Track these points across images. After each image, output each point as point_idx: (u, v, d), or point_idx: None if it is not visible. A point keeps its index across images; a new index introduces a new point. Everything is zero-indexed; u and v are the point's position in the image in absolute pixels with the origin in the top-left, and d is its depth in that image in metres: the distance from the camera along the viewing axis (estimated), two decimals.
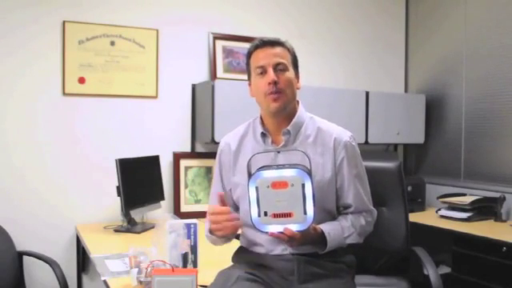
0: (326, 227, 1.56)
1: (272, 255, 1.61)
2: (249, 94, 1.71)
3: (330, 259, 1.60)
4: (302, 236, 1.44)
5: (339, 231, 1.59)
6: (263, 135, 1.67)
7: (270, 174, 1.40)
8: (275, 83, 1.58)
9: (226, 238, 1.62)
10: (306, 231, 1.44)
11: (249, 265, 1.61)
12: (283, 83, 1.60)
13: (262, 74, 1.62)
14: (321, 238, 1.54)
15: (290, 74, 1.63)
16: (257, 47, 1.64)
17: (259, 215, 1.41)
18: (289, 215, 1.41)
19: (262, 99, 1.63)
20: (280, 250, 1.60)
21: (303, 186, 1.39)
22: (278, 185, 1.40)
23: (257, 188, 1.40)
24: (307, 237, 1.47)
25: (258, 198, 1.41)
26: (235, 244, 1.78)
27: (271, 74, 1.59)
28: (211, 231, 1.55)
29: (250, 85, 1.70)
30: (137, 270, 1.74)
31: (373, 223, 1.70)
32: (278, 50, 1.62)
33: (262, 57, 1.62)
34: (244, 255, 1.69)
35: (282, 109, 1.62)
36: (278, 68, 1.60)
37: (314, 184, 1.59)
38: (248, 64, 1.69)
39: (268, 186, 1.40)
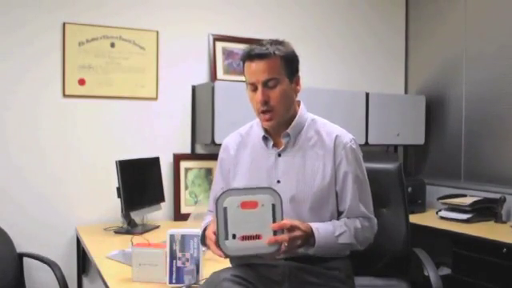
0: (315, 224, 1.53)
1: (265, 259, 1.59)
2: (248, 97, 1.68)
3: (323, 265, 1.58)
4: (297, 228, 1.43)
5: (330, 229, 1.55)
6: (265, 138, 1.67)
7: (241, 194, 1.39)
8: (265, 102, 1.56)
9: None
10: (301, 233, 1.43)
11: (241, 268, 1.59)
12: (274, 100, 1.57)
13: (253, 90, 1.59)
14: (311, 236, 1.50)
15: (283, 85, 1.58)
16: (246, 58, 1.59)
17: (227, 238, 1.38)
18: (258, 237, 1.38)
19: (256, 114, 1.64)
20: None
21: (273, 206, 1.38)
22: (248, 204, 1.37)
23: (225, 209, 1.37)
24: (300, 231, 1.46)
25: (225, 220, 1.37)
26: None
27: (260, 94, 1.56)
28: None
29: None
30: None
31: (371, 230, 1.65)
32: (268, 62, 1.55)
33: (253, 72, 1.57)
34: (237, 258, 1.69)
35: (274, 126, 1.62)
36: (268, 84, 1.56)
37: (315, 189, 1.58)
38: (243, 71, 1.64)
39: (238, 206, 1.37)
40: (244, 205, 1.37)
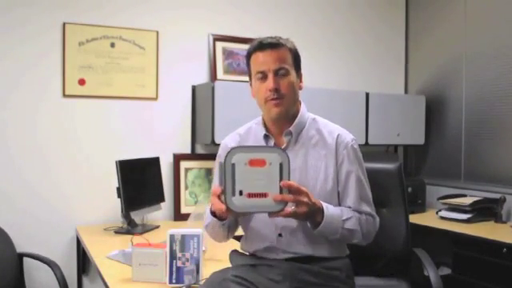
0: (325, 203, 1.52)
1: (265, 260, 1.60)
2: (250, 94, 1.68)
3: (323, 265, 1.58)
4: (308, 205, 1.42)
5: (338, 211, 1.55)
6: (266, 137, 1.66)
7: (249, 151, 1.39)
8: (276, 90, 1.56)
9: (224, 228, 1.60)
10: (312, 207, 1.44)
11: (241, 268, 1.60)
12: (284, 89, 1.57)
13: (262, 79, 1.59)
14: (319, 213, 1.49)
15: (292, 77, 1.60)
16: (256, 49, 1.60)
17: (233, 194, 1.37)
18: (264, 195, 1.37)
19: (262, 104, 1.62)
20: (274, 255, 1.60)
21: (281, 165, 1.37)
22: (256, 162, 1.37)
23: (233, 165, 1.37)
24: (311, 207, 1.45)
25: (233, 176, 1.37)
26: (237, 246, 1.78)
27: (271, 81, 1.56)
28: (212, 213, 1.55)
29: (251, 85, 1.68)
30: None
31: (374, 226, 1.64)
32: (279, 52, 1.58)
33: (262, 61, 1.58)
34: (237, 258, 1.69)
35: (283, 114, 1.60)
36: (279, 73, 1.57)
37: (317, 188, 1.58)
38: (248, 65, 1.66)
39: (245, 164, 1.36)
40: (252, 162, 1.37)
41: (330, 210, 1.51)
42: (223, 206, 1.38)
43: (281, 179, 1.37)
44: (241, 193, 1.37)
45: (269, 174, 1.37)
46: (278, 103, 1.57)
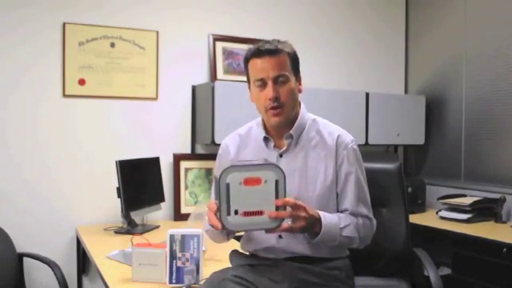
0: (322, 212, 1.51)
1: (265, 260, 1.61)
2: (249, 97, 1.67)
3: (323, 265, 1.58)
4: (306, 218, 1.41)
5: (335, 219, 1.54)
6: (266, 139, 1.66)
7: (243, 170, 1.36)
8: (276, 98, 1.55)
9: (224, 234, 1.59)
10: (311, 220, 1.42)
11: (241, 268, 1.60)
12: (284, 97, 1.56)
13: (261, 86, 1.57)
14: (317, 224, 1.49)
15: (291, 83, 1.58)
16: (254, 55, 1.58)
17: (229, 213, 1.35)
18: (260, 213, 1.36)
19: (262, 111, 1.61)
20: (274, 255, 1.60)
21: (277, 182, 1.36)
22: (251, 181, 1.35)
23: (228, 185, 1.34)
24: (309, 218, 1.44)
25: (228, 196, 1.35)
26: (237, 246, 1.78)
27: (271, 90, 1.54)
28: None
29: (249, 88, 1.67)
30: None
31: (371, 230, 1.64)
32: (278, 59, 1.55)
33: (261, 68, 1.56)
34: (237, 258, 1.69)
35: (282, 123, 1.59)
36: (279, 80, 1.55)
37: (317, 189, 1.58)
38: (246, 69, 1.64)
39: (240, 183, 1.34)
40: (247, 181, 1.35)
41: (327, 219, 1.51)
42: (219, 224, 1.36)
43: (277, 196, 1.36)
44: (236, 212, 1.35)
45: (264, 191, 1.35)
46: (277, 113, 1.57)
